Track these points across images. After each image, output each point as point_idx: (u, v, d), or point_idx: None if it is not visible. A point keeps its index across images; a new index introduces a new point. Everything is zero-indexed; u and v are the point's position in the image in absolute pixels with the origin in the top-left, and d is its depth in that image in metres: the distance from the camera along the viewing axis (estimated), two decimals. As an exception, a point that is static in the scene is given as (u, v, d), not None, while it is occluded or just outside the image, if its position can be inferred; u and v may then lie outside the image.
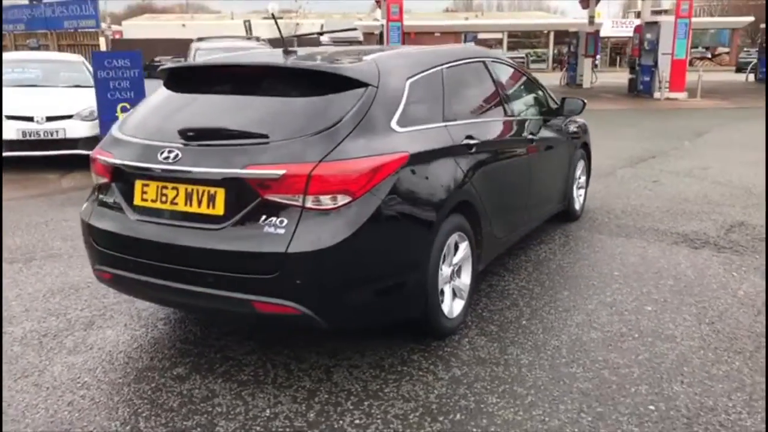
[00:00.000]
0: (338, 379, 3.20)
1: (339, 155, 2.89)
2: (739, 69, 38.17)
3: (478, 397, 3.01)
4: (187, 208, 3.04)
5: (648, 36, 21.25)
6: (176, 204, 3.07)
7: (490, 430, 2.76)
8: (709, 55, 49.34)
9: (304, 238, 2.85)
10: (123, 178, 3.25)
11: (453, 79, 3.87)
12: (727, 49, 49.71)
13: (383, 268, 3.07)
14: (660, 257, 4.95)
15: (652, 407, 2.91)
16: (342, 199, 2.88)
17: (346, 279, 2.95)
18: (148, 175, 3.14)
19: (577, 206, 6.06)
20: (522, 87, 4.95)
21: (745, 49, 44.60)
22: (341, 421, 2.84)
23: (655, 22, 20.78)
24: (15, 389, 3.16)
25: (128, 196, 3.22)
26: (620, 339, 3.58)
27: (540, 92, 5.20)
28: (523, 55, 43.91)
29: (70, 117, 8.75)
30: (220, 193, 2.96)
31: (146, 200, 3.15)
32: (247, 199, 2.93)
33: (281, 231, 2.87)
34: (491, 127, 4.15)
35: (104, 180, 3.35)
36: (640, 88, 21.74)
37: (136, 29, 57.73)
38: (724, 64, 47.17)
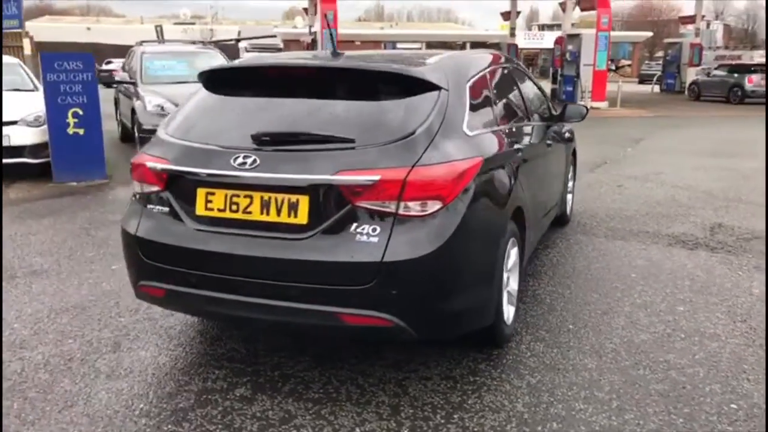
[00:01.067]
0: (414, 392, 3.09)
1: (429, 160, 2.79)
2: (642, 80, 40.55)
3: (565, 404, 2.98)
4: (264, 218, 2.84)
5: (570, 47, 22.14)
6: (250, 213, 2.86)
7: (592, 436, 2.74)
8: (614, 67, 52.04)
9: (400, 246, 2.72)
10: (181, 185, 3.02)
11: (495, 83, 3.85)
12: (629, 62, 52.59)
13: (469, 275, 2.99)
14: (664, 259, 5.11)
15: (734, 406, 2.97)
16: (433, 206, 2.77)
17: (438, 288, 2.84)
18: (215, 182, 2.92)
19: (568, 210, 6.19)
20: (534, 93, 5.00)
21: (647, 62, 47.45)
22: (441, 437, 2.74)
23: (577, 35, 21.69)
24: (64, 422, 2.85)
25: (188, 205, 2.98)
26: (669, 339, 3.65)
27: (544, 98, 5.28)
28: (442, 65, 44.61)
29: (14, 123, 8.09)
30: (304, 201, 2.79)
31: (211, 209, 2.93)
32: (335, 207, 2.77)
33: (374, 239, 2.73)
34: (524, 131, 4.16)
35: (154, 188, 3.09)
36: (562, 98, 22.58)
37: (37, 31, 54.49)
38: (627, 75, 49.88)
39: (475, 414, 2.90)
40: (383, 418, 2.87)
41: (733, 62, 27.26)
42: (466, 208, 2.92)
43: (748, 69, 24.29)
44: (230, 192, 2.89)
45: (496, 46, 28.25)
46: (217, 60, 10.91)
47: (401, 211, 2.74)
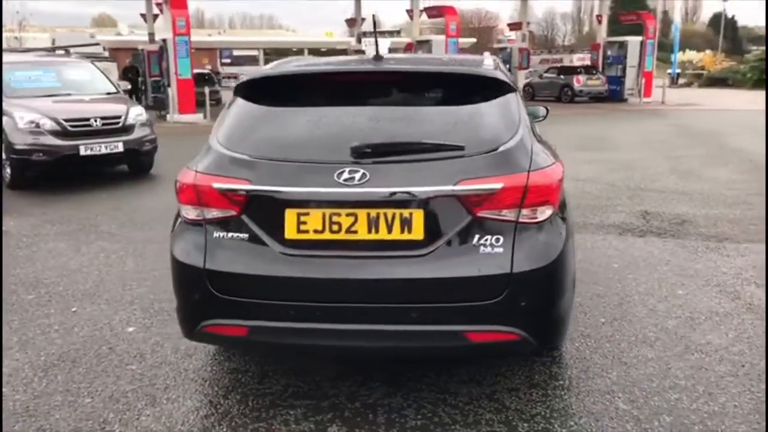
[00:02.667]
0: (514, 405, 2.98)
1: (537, 164, 2.70)
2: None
3: (660, 396, 3.04)
4: (373, 236, 2.59)
5: (419, 53, 22.94)
6: (354, 233, 2.59)
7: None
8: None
9: (524, 256, 2.61)
10: (264, 207, 2.66)
11: None
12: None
13: (569, 279, 2.94)
14: (628, 247, 5.43)
15: (796, 375, 3.21)
16: (545, 211, 2.69)
17: (554, 295, 2.76)
18: (310, 201, 2.61)
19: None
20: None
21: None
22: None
23: (427, 40, 22.54)
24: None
25: (274, 229, 2.64)
26: (695, 322, 3.87)
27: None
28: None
29: None
30: (418, 215, 2.58)
31: (305, 231, 2.61)
32: (454, 219, 2.59)
33: (499, 250, 2.59)
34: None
35: (227, 213, 2.69)
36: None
37: None
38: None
39: (586, 416, 2.87)
40: None
41: (559, 65, 29.82)
42: (566, 212, 2.89)
43: (575, 70, 26.70)
44: (329, 211, 2.60)
45: (343, 52, 28.52)
46: (87, 70, 9.87)
47: (521, 219, 2.63)
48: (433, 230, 2.59)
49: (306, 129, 2.80)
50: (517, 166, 2.64)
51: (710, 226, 6.05)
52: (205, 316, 2.75)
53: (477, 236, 2.60)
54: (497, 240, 2.60)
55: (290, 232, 2.62)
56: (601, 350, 3.50)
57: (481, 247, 2.59)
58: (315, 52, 44.01)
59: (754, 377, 3.20)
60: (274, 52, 47.11)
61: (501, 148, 2.67)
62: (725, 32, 50.54)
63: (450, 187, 2.56)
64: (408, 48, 23.97)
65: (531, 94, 27.59)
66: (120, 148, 8.54)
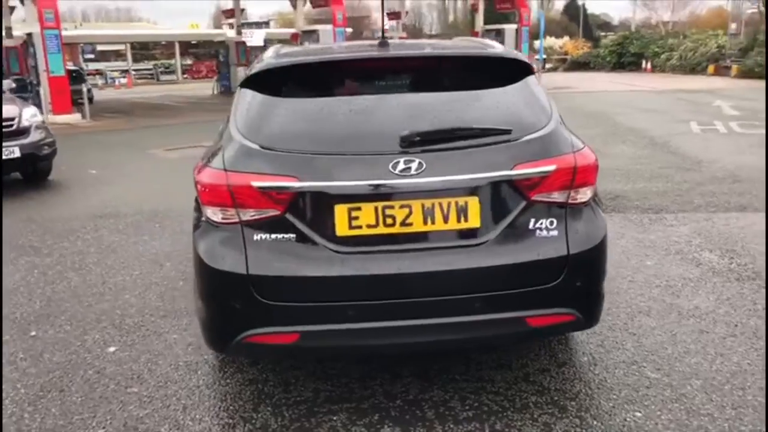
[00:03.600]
0: (553, 385, 3.01)
1: (577, 146, 2.71)
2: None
3: (694, 369, 3.18)
4: (429, 227, 2.49)
5: (307, 43, 22.64)
6: (410, 225, 2.48)
7: None
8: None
9: (578, 237, 2.63)
10: (310, 204, 2.49)
11: None
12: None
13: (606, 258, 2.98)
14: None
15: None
16: (587, 192, 2.71)
17: (601, 274, 2.80)
18: (362, 195, 2.46)
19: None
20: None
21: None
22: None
23: (314, 30, 22.27)
24: None
25: (324, 227, 2.48)
26: (681, 288, 4.09)
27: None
28: (151, 66, 42.13)
29: None
30: (473, 202, 2.51)
31: (358, 227, 2.47)
32: (510, 204, 2.55)
33: (555, 233, 2.59)
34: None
35: (268, 213, 2.48)
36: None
37: None
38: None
39: (626, 388, 2.95)
40: (563, 417, 2.75)
41: None
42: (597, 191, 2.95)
43: None
44: (382, 204, 2.47)
45: (222, 44, 27.54)
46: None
47: (570, 201, 2.64)
48: (490, 217, 2.54)
49: (345, 120, 2.65)
50: (565, 147, 2.64)
51: (642, 200, 6.42)
52: (247, 326, 2.54)
53: (533, 220, 2.58)
54: (551, 223, 2.59)
55: (342, 229, 2.47)
56: (606, 323, 3.61)
57: (538, 231, 2.58)
58: (187, 45, 42.34)
59: (751, 335, 3.43)
60: (142, 47, 44.76)
61: (544, 130, 2.66)
62: (577, 20, 53.95)
63: (507, 172, 2.51)
64: (294, 39, 23.57)
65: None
66: (17, 153, 7.72)
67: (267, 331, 2.53)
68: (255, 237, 2.51)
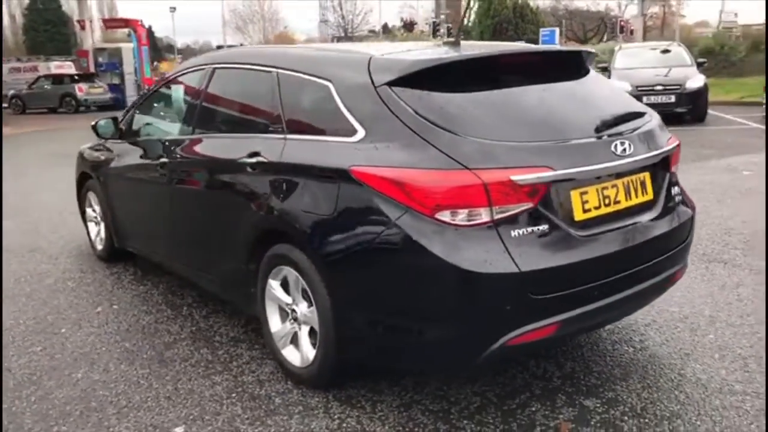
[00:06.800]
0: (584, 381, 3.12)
1: None
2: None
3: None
4: (628, 203, 2.86)
5: (100, 60, 20.85)
6: (618, 203, 2.82)
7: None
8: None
9: (689, 201, 3.30)
10: (555, 194, 2.62)
11: None
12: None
13: None
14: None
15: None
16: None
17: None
18: (587, 179, 2.72)
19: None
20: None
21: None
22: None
23: (118, 48, 20.72)
24: None
25: (565, 214, 2.66)
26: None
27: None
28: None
29: None
30: (647, 177, 2.96)
31: (588, 210, 2.72)
32: (663, 176, 3.07)
33: (679, 198, 3.19)
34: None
35: (521, 207, 2.52)
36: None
37: None
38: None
39: (680, 357, 3.32)
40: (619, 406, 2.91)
41: (53, 74, 26.65)
42: None
43: (73, 78, 25.04)
44: (600, 186, 2.76)
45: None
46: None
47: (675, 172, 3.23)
48: (657, 189, 3.01)
49: (540, 108, 2.85)
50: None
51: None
52: (512, 327, 2.51)
53: (674, 188, 3.14)
54: (678, 191, 3.20)
55: (578, 214, 2.68)
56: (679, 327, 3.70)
57: (676, 197, 3.16)
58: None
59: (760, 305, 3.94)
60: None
61: (649, 113, 3.20)
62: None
63: (667, 148, 3.06)
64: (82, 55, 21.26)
65: (22, 107, 25.29)
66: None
67: (532, 327, 2.53)
68: (513, 233, 2.49)
